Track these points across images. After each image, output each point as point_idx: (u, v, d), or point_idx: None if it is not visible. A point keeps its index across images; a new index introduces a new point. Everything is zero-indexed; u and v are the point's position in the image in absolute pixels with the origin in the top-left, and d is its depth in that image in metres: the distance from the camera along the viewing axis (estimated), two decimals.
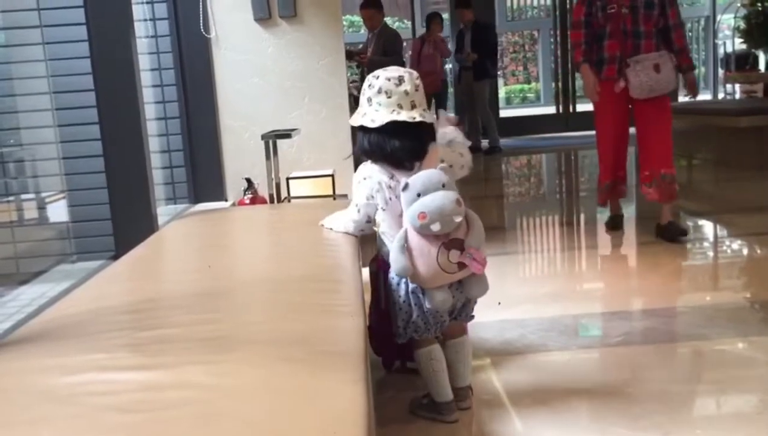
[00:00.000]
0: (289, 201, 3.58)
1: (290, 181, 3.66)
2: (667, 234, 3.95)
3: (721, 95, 10.88)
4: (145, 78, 3.80)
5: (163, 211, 3.91)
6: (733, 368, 2.48)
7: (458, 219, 1.89)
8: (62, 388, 1.17)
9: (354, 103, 6.04)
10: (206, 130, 4.30)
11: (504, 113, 11.32)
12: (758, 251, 3.99)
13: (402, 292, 2.03)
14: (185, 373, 1.21)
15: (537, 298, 3.26)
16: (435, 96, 8.46)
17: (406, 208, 1.94)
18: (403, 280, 2.01)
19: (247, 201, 3.87)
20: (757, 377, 2.38)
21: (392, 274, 2.03)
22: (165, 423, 1.04)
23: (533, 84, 15.86)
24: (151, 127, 4.07)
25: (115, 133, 3.08)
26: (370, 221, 2.14)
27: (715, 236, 4.00)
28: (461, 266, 1.91)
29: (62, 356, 1.33)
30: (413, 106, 1.99)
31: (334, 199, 3.52)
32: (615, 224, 4.37)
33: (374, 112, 2.00)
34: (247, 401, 1.11)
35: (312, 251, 2.16)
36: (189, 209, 4.07)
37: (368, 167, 2.07)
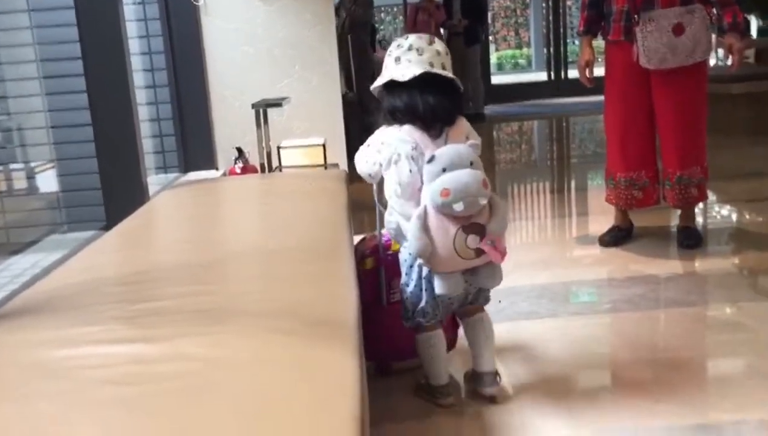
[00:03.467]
0: (280, 170, 3.57)
1: (281, 150, 3.65)
2: (678, 239, 3.39)
3: (713, 61, 10.86)
4: (133, 45, 3.75)
5: (153, 181, 3.90)
6: (722, 334, 2.51)
7: (483, 201, 1.79)
8: (56, 361, 1.18)
9: (346, 72, 6.04)
10: (196, 99, 4.27)
11: (495, 79, 11.26)
12: (748, 217, 4.01)
13: (414, 275, 1.95)
14: (178, 345, 1.21)
15: (528, 265, 3.28)
16: None
17: (428, 182, 1.81)
18: (417, 263, 1.92)
19: (238, 170, 3.85)
20: (745, 342, 2.41)
21: (403, 256, 1.97)
22: (159, 396, 1.04)
23: (525, 49, 15.77)
24: (140, 95, 4.03)
25: (104, 101, 3.05)
26: (374, 177, 1.99)
27: (705, 203, 4.01)
28: (478, 252, 1.83)
29: (56, 329, 1.33)
30: (443, 68, 1.91)
31: (326, 168, 3.51)
32: (613, 240, 3.44)
33: (404, 69, 1.89)
34: (240, 374, 1.12)
35: (303, 222, 2.16)
36: (180, 179, 4.05)
37: (390, 133, 1.92)
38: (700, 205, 3.64)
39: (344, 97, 4.57)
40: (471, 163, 1.80)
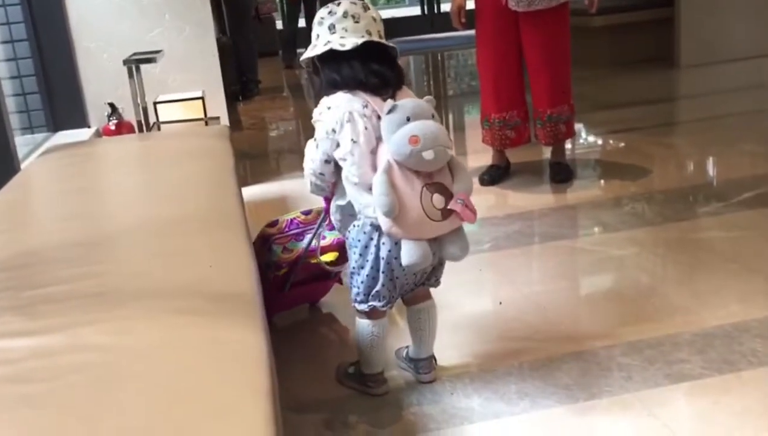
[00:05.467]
0: (158, 128, 3.47)
1: (158, 105, 3.53)
2: (551, 174, 3.57)
3: None
4: None
5: (20, 142, 3.70)
6: (591, 263, 2.72)
7: (451, 152, 1.70)
8: None
9: (217, 15, 5.84)
10: (60, 53, 4.03)
11: None
12: (611, 147, 4.28)
13: (370, 256, 1.78)
14: (79, 335, 1.21)
15: None
16: (304, 3, 8.15)
17: (392, 132, 1.68)
18: (372, 243, 1.76)
19: (113, 127, 3.70)
20: (612, 269, 2.63)
21: (356, 237, 1.79)
22: (68, 391, 1.05)
23: None
24: None
25: None
26: (330, 160, 1.77)
27: (573, 137, 4.22)
28: (445, 214, 1.70)
29: None
30: (380, 37, 1.80)
31: (206, 123, 3.44)
32: (491, 178, 3.57)
33: (341, 39, 1.75)
34: (147, 360, 1.14)
35: (190, 188, 2.14)
36: (49, 139, 3.86)
37: (336, 96, 1.77)
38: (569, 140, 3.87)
39: (217, 41, 4.44)
40: (432, 116, 1.72)
